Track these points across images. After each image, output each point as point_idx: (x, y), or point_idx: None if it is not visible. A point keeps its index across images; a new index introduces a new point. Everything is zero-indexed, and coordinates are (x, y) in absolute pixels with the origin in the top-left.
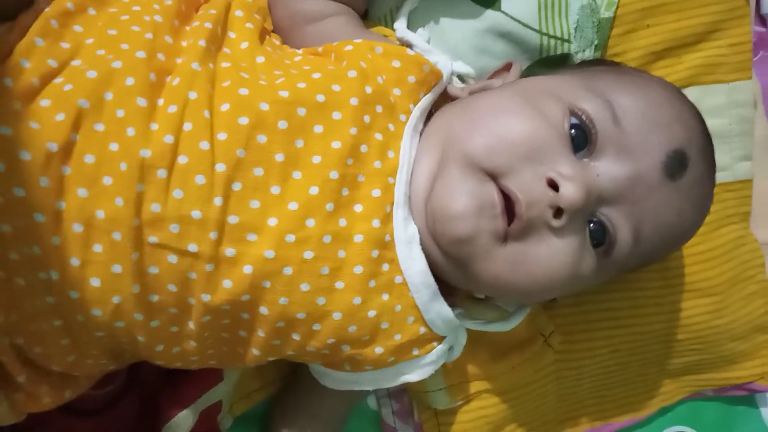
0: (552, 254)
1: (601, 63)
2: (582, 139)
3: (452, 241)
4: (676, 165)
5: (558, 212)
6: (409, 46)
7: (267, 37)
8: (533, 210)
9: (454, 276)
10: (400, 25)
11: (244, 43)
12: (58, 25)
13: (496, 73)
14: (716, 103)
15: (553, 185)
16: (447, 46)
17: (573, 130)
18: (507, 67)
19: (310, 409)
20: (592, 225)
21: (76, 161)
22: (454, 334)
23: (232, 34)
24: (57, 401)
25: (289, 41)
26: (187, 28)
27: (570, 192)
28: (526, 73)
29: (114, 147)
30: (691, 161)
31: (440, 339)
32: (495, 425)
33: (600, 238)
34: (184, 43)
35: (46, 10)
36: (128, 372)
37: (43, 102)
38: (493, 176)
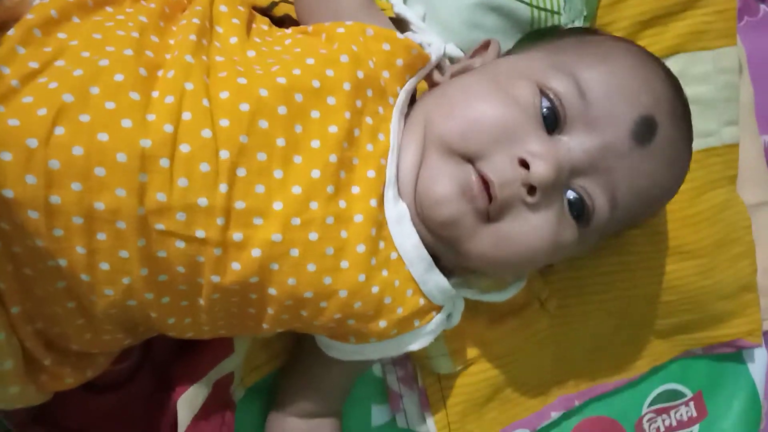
0: (531, 229)
1: (568, 33)
2: (552, 117)
3: (439, 224)
4: (643, 131)
5: (531, 189)
6: (405, 22)
7: (253, 26)
8: (507, 190)
9: (446, 254)
10: (397, 0)
11: (233, 38)
12: (41, 34)
13: (476, 52)
14: (702, 70)
15: (525, 164)
16: (439, 20)
17: (544, 110)
18: (485, 46)
19: (316, 379)
20: (570, 197)
21: (64, 154)
22: (451, 303)
23: (219, 29)
24: (79, 380)
25: (297, 6)
26: (174, 27)
27: (540, 169)
28: (518, 47)
29: (103, 137)
30: (659, 126)
31: (439, 308)
32: (495, 387)
33: (578, 209)
34: (171, 41)
35: (29, 17)
36: (142, 348)
37: (25, 99)
38: (470, 160)
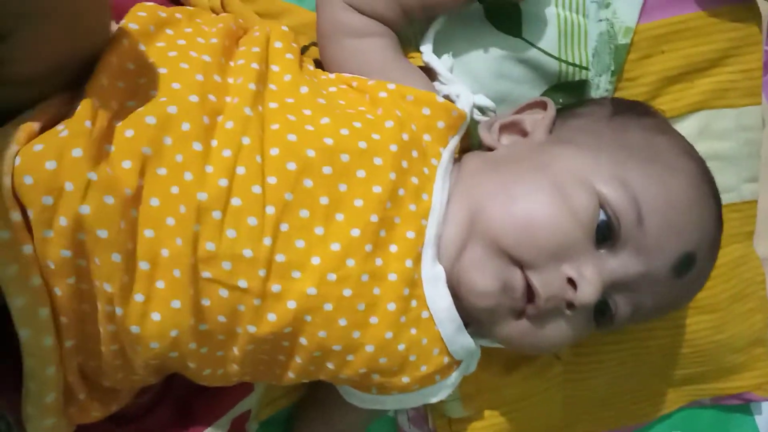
0: (559, 332)
1: (637, 115)
2: (606, 231)
3: (474, 307)
4: (684, 265)
5: (570, 306)
6: (433, 71)
7: (303, 64)
8: (551, 303)
9: (470, 320)
10: (426, 50)
11: (287, 76)
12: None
13: (528, 107)
14: (725, 126)
15: (572, 283)
16: (467, 70)
17: (600, 224)
18: (541, 105)
19: (332, 421)
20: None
21: (144, 204)
22: (471, 356)
23: (275, 68)
24: (105, 414)
25: (324, 47)
26: (232, 64)
27: (587, 293)
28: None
29: (175, 190)
30: (697, 260)
31: (459, 363)
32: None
33: (601, 314)
34: (230, 80)
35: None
36: (163, 382)
37: (109, 147)
38: (518, 264)
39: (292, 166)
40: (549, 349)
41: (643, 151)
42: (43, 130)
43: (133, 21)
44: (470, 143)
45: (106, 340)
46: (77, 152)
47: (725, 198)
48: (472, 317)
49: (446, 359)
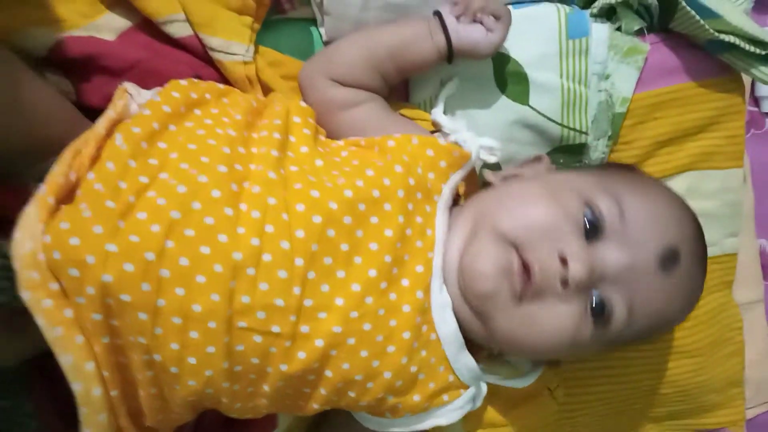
0: (556, 317)
1: (617, 166)
2: (593, 228)
3: (477, 295)
4: (668, 259)
5: (564, 283)
6: (440, 127)
7: (317, 136)
8: (545, 278)
9: (478, 332)
10: (436, 110)
11: (304, 148)
12: (146, 146)
13: (528, 164)
14: (711, 187)
15: (564, 261)
16: (478, 132)
17: (586, 220)
18: (539, 159)
19: None
20: (593, 299)
21: (173, 264)
22: (477, 386)
23: (292, 138)
24: None
25: (323, 124)
26: (255, 135)
27: (577, 268)
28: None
29: (205, 250)
30: (682, 259)
31: (465, 387)
32: None
33: (599, 310)
34: (254, 150)
35: (136, 130)
36: (195, 420)
37: (140, 215)
38: (516, 247)
39: (317, 219)
40: (552, 339)
41: (623, 176)
42: (57, 202)
43: (167, 102)
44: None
45: (145, 385)
46: (98, 229)
47: (709, 251)
48: (476, 328)
49: (451, 377)
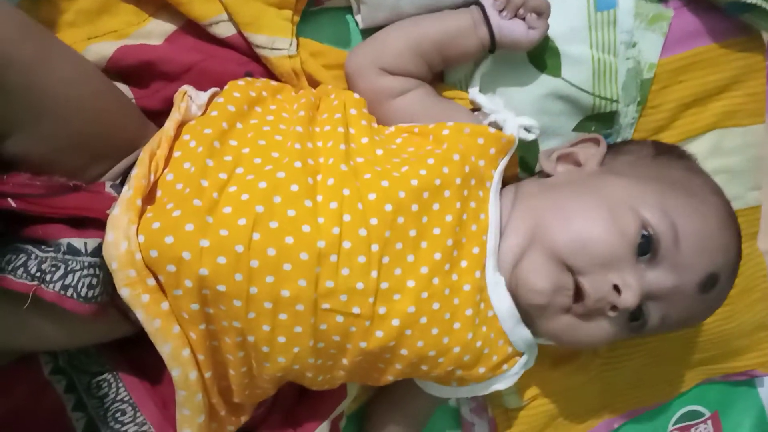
0: (599, 331)
1: (677, 158)
2: (646, 248)
3: (529, 304)
4: (709, 284)
5: (614, 309)
6: (478, 107)
7: (371, 124)
8: (598, 304)
9: (525, 317)
10: (473, 90)
11: (364, 138)
12: (219, 145)
13: (581, 142)
14: (734, 143)
15: (617, 289)
16: (512, 106)
17: (641, 241)
18: (594, 141)
19: (405, 407)
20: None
21: (261, 255)
22: (531, 351)
23: (352, 130)
24: (237, 426)
25: (372, 112)
26: (318, 129)
27: (628, 299)
28: (579, 128)
29: (289, 240)
30: (720, 281)
31: (521, 354)
32: (551, 417)
33: (636, 319)
34: (320, 144)
35: (207, 131)
36: (272, 396)
37: (226, 209)
38: (571, 270)
39: (389, 207)
40: (588, 344)
41: (681, 187)
42: (143, 202)
43: (230, 102)
44: (518, 163)
45: (235, 365)
46: (189, 227)
47: (733, 205)
48: (527, 316)
49: (510, 349)
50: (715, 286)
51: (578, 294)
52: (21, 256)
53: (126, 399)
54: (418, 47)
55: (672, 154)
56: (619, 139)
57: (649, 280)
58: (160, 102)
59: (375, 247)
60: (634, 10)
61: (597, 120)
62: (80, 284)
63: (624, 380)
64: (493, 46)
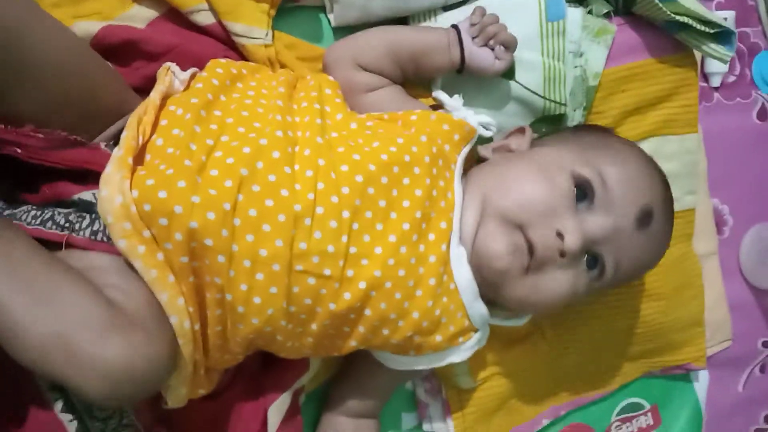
0: (558, 281)
1: (593, 130)
2: (581, 196)
3: (493, 271)
4: (644, 218)
5: (563, 254)
6: (440, 105)
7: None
8: (546, 252)
9: (488, 292)
10: (437, 90)
11: (339, 115)
12: (205, 114)
13: (512, 134)
14: (671, 150)
15: (560, 236)
16: (472, 106)
17: (575, 190)
18: (521, 131)
19: (366, 384)
20: (587, 257)
21: (243, 214)
22: (484, 328)
23: (327, 108)
24: (207, 390)
25: (346, 100)
26: (295, 106)
27: (571, 242)
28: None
29: (269, 203)
30: (655, 216)
31: (475, 330)
32: (502, 399)
33: (593, 266)
34: (297, 119)
35: (194, 101)
36: (235, 366)
37: (213, 172)
38: (519, 227)
39: (359, 178)
40: (554, 300)
41: (600, 145)
42: (133, 163)
43: (213, 76)
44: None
45: (212, 323)
46: (181, 183)
47: None
48: (488, 289)
49: (466, 322)
50: (651, 220)
51: (531, 251)
52: (47, 211)
53: (131, 423)
54: (396, 52)
55: (589, 127)
56: None
57: (589, 224)
58: (140, 79)
59: (346, 214)
60: (581, 23)
61: (547, 122)
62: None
63: (570, 367)
64: (461, 67)
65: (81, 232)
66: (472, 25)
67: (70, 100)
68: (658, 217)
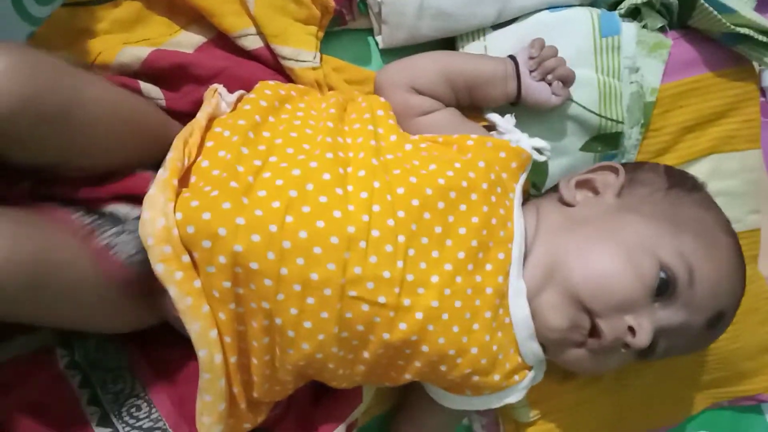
0: (608, 364)
1: (692, 192)
2: (663, 290)
3: (545, 337)
4: (716, 321)
5: (626, 347)
6: (495, 126)
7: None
8: (613, 344)
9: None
10: (491, 111)
11: (393, 137)
12: (253, 135)
13: (599, 170)
14: (731, 167)
15: (631, 331)
16: (523, 126)
17: (659, 283)
18: (613, 170)
19: (424, 425)
20: None
21: (293, 236)
22: (539, 366)
23: (380, 130)
24: (253, 424)
25: (401, 124)
26: (346, 128)
27: (642, 340)
28: (585, 148)
29: (320, 224)
30: (725, 317)
31: (530, 368)
32: None
33: (645, 350)
34: (349, 140)
35: (241, 123)
36: (287, 398)
37: (260, 193)
38: (588, 312)
39: (416, 202)
40: (595, 374)
41: (695, 227)
42: (179, 184)
43: (262, 98)
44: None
45: (259, 352)
46: (226, 205)
47: (734, 227)
48: (541, 342)
49: (519, 359)
50: (721, 323)
51: (593, 331)
52: (79, 207)
53: (141, 395)
54: (452, 79)
55: (684, 186)
56: (623, 161)
57: (660, 318)
58: (189, 104)
59: (401, 238)
60: (636, 38)
61: (603, 141)
62: (129, 246)
63: (634, 398)
64: (517, 100)
65: (102, 237)
66: (531, 58)
67: (120, 145)
68: (727, 320)
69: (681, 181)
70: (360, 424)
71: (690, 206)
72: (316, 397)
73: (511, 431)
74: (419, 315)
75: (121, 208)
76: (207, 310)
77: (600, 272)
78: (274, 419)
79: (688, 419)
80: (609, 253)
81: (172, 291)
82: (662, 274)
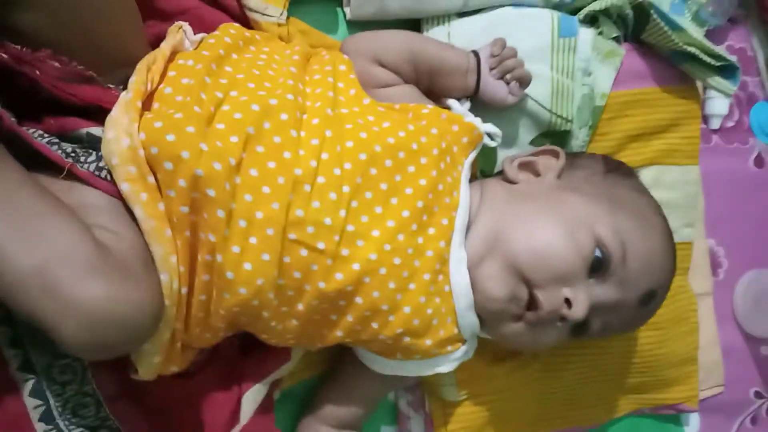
0: (544, 337)
1: (627, 177)
2: (598, 266)
3: (483, 308)
4: (647, 298)
5: (563, 319)
6: (450, 109)
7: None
8: (549, 315)
9: (478, 312)
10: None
11: (352, 90)
12: (216, 67)
13: (541, 153)
14: (672, 179)
15: (568, 303)
16: (477, 112)
17: (595, 259)
18: (554, 154)
19: (352, 391)
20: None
21: (244, 173)
22: (473, 340)
23: (341, 84)
24: (180, 367)
25: None
26: (307, 77)
27: (578, 312)
28: (535, 142)
29: (271, 165)
30: (657, 297)
31: (464, 341)
32: (487, 418)
33: (580, 327)
34: (309, 89)
35: (205, 53)
36: (211, 348)
37: (219, 125)
38: (527, 282)
39: (363, 156)
40: (531, 349)
41: (630, 207)
42: (143, 106)
43: (226, 35)
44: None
45: (198, 290)
46: (191, 129)
47: None
48: (479, 313)
49: (456, 330)
50: (652, 301)
51: (530, 303)
52: (52, 138)
53: (92, 393)
54: (416, 61)
55: (620, 171)
56: None
57: (596, 294)
58: (150, 37)
59: (346, 189)
60: (592, 43)
61: (552, 137)
62: None
63: (560, 391)
64: (474, 94)
65: (85, 165)
66: (493, 55)
67: (93, 35)
68: (659, 298)
69: (617, 167)
70: (285, 386)
71: (625, 189)
72: (243, 351)
73: (437, 410)
74: (356, 266)
75: (95, 131)
76: (170, 234)
77: (540, 243)
78: (197, 367)
79: (610, 422)
80: (550, 225)
81: (138, 211)
82: (597, 252)
